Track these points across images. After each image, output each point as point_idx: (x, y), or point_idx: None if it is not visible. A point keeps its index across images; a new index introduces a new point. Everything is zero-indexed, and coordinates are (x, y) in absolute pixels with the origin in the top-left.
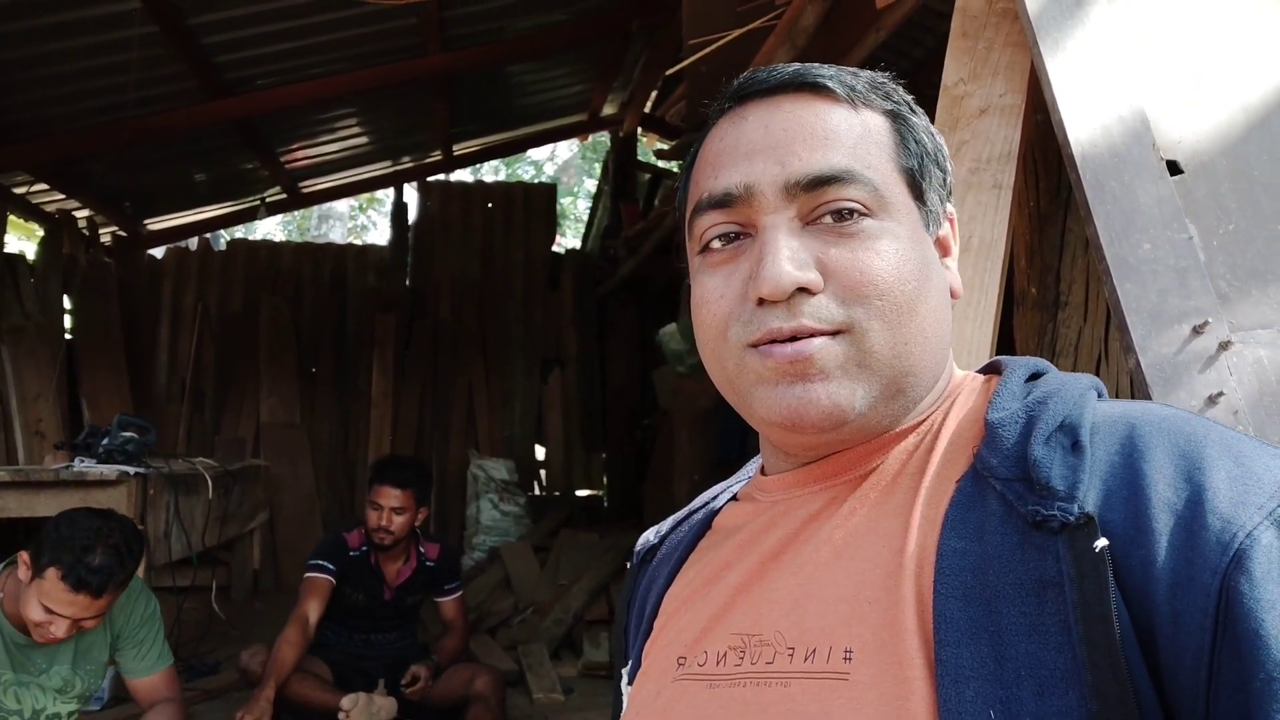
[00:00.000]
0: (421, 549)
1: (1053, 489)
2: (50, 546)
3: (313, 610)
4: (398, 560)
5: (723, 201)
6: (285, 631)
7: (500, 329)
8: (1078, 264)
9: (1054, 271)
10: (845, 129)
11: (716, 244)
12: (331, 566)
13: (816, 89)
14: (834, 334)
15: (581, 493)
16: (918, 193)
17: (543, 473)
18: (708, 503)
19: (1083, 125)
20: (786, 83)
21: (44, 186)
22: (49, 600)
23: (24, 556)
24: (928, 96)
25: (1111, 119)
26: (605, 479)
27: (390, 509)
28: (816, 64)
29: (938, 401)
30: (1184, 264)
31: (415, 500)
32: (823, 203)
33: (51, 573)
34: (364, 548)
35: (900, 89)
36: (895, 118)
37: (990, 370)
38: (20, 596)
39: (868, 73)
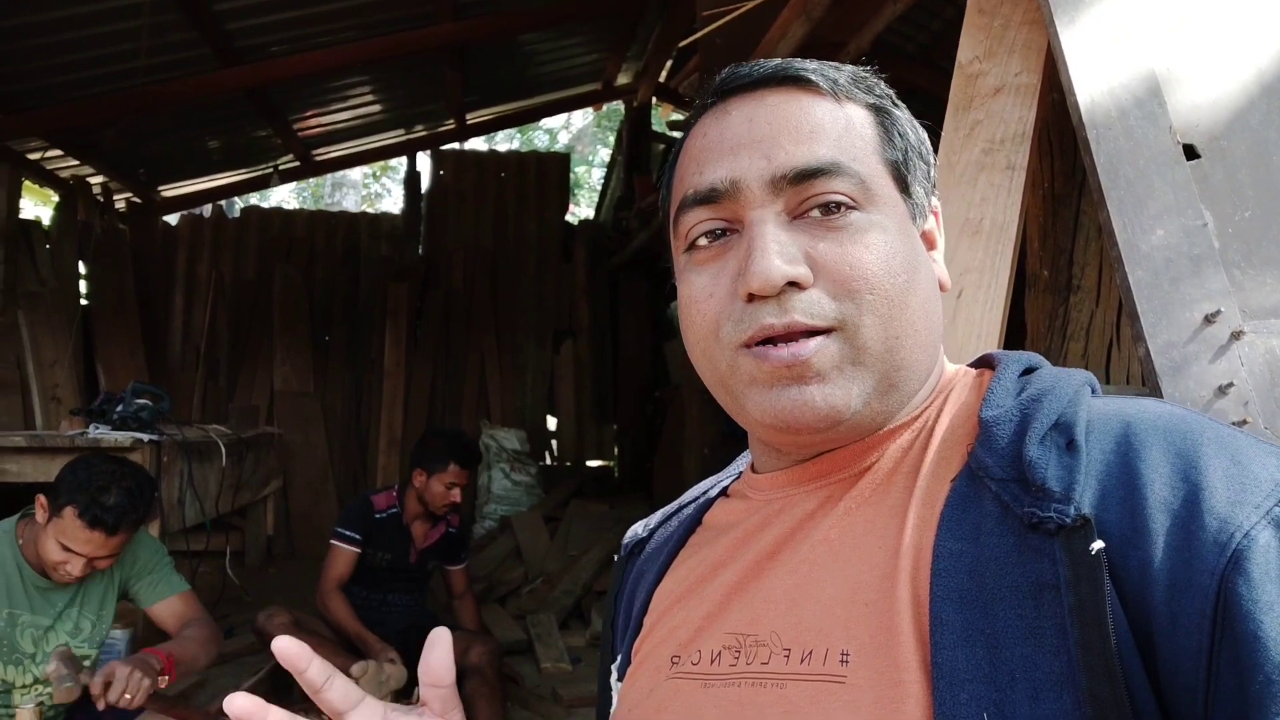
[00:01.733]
0: (447, 517)
1: (1048, 490)
2: (67, 488)
3: (340, 581)
4: (427, 524)
5: (709, 197)
6: (328, 601)
7: (513, 299)
8: (1091, 247)
9: (1067, 254)
10: (830, 122)
11: (703, 241)
12: (357, 536)
13: (799, 82)
14: (827, 331)
15: (592, 463)
16: (903, 185)
17: (554, 443)
18: (697, 498)
19: (1098, 107)
20: (769, 77)
21: (58, 153)
22: (65, 538)
23: (41, 499)
24: (944, 70)
25: (1128, 101)
26: (616, 450)
27: (461, 486)
28: (799, 58)
29: (931, 397)
30: (1198, 251)
31: (474, 472)
32: (810, 196)
33: (69, 511)
34: (393, 509)
35: (883, 83)
36: (878, 111)
37: (982, 364)
38: (38, 539)
39: (850, 67)
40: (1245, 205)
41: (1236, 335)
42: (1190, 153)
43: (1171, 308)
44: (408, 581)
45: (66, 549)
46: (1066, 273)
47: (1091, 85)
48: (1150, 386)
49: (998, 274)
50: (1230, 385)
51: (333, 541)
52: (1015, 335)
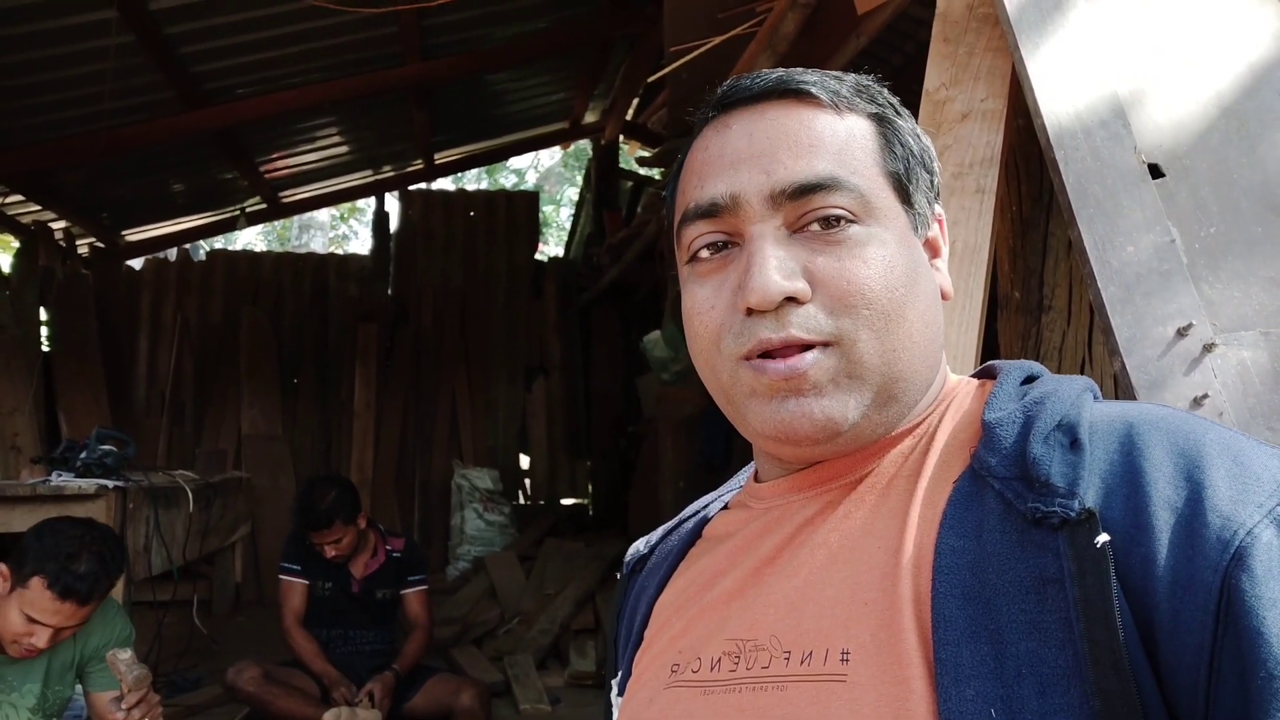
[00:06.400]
0: (388, 545)
1: (1052, 486)
2: (34, 556)
3: (298, 616)
4: (365, 554)
5: (709, 211)
6: (292, 638)
7: (483, 338)
8: (1060, 267)
9: (1037, 275)
10: (830, 135)
11: (705, 254)
12: (296, 566)
13: (800, 95)
14: (824, 345)
15: (566, 501)
16: (905, 196)
17: (527, 482)
18: (699, 511)
19: (1065, 129)
20: (770, 89)
21: (19, 198)
22: (33, 610)
23: (2, 569)
24: (908, 102)
25: (1093, 122)
26: (590, 487)
27: (329, 544)
28: (800, 69)
29: (932, 405)
30: (1167, 267)
31: (345, 522)
32: (809, 210)
33: (36, 582)
34: None
35: (885, 91)
36: (880, 121)
37: (984, 375)
38: None
39: (852, 76)
40: (1210, 222)
41: (1208, 348)
42: (1155, 171)
43: (1144, 322)
44: (363, 614)
45: (32, 620)
46: (1038, 293)
47: (1057, 108)
48: (1126, 400)
49: (971, 296)
50: (1205, 397)
51: (280, 577)
52: (990, 356)
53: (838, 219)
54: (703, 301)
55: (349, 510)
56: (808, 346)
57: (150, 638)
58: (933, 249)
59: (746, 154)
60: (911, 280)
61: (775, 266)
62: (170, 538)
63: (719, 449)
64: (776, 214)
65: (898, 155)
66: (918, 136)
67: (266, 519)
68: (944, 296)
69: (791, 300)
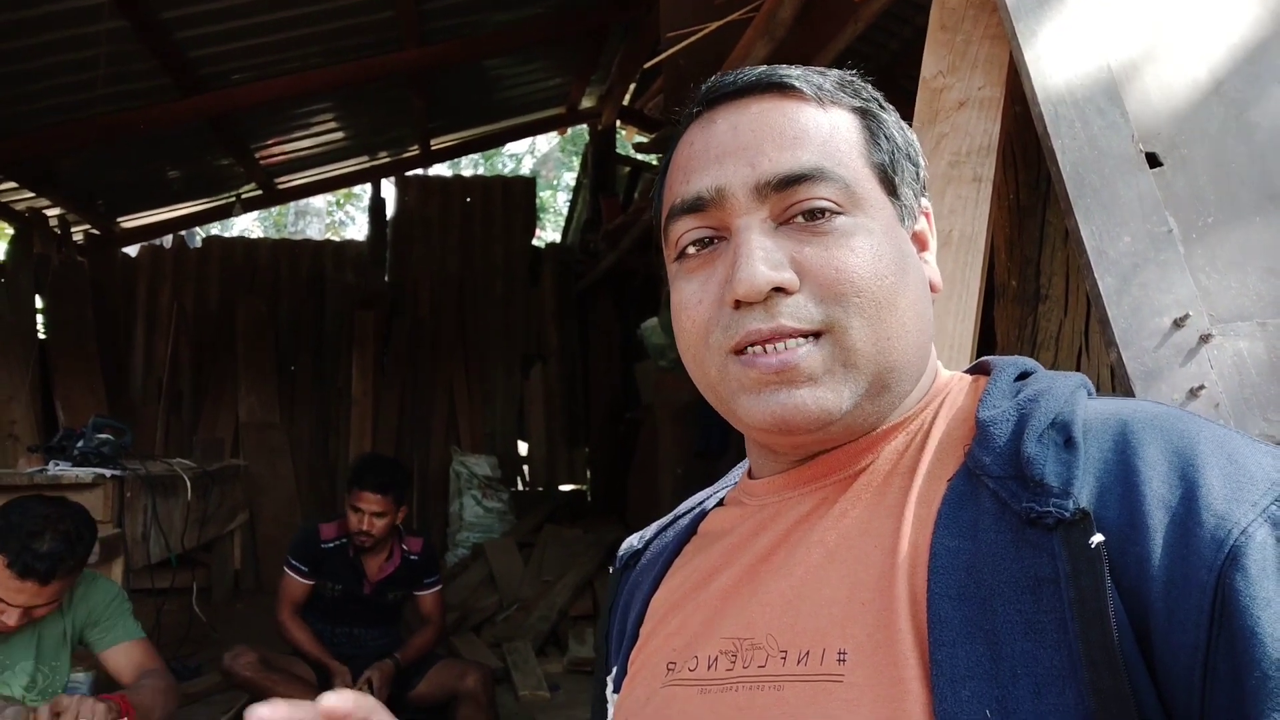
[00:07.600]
0: (404, 545)
1: (1047, 486)
2: None
3: (295, 608)
4: (380, 556)
5: (695, 206)
6: (287, 628)
7: (481, 324)
8: (1057, 257)
9: (1034, 264)
10: (814, 127)
11: (692, 249)
12: (304, 567)
13: (784, 89)
14: (815, 335)
15: (565, 488)
16: (890, 188)
17: (525, 468)
18: (693, 508)
19: (1061, 117)
20: (754, 84)
21: (13, 185)
22: None
23: None
24: (905, 89)
25: (1090, 110)
26: (588, 474)
27: (371, 514)
28: (784, 65)
29: (925, 399)
30: (1164, 257)
31: (395, 503)
32: (794, 202)
33: None
34: (341, 540)
35: (869, 86)
36: (864, 114)
37: (978, 371)
38: None
39: (835, 71)
40: (1208, 212)
41: (1205, 339)
42: (1153, 161)
43: (1141, 313)
44: (370, 613)
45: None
46: (1034, 282)
47: (1055, 96)
48: (1123, 391)
49: (968, 284)
50: (1201, 388)
51: (284, 569)
52: (986, 346)
53: (823, 210)
54: (690, 297)
55: (400, 491)
56: (798, 336)
57: (150, 626)
58: (920, 241)
59: (731, 147)
60: (900, 269)
61: (762, 257)
62: (168, 526)
63: (717, 435)
64: (762, 206)
65: (883, 148)
66: (903, 130)
67: (265, 506)
68: (933, 289)
69: (779, 291)
